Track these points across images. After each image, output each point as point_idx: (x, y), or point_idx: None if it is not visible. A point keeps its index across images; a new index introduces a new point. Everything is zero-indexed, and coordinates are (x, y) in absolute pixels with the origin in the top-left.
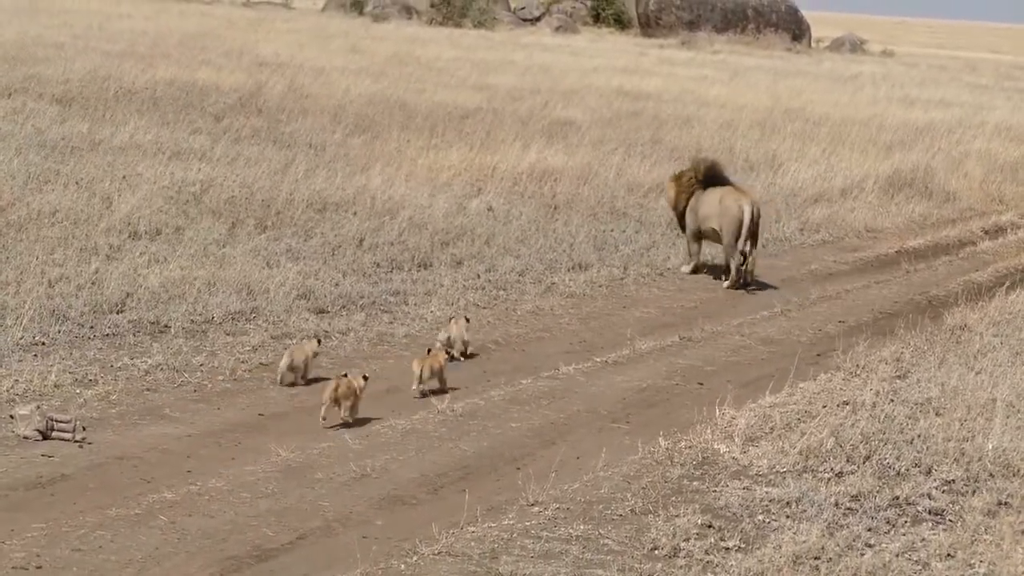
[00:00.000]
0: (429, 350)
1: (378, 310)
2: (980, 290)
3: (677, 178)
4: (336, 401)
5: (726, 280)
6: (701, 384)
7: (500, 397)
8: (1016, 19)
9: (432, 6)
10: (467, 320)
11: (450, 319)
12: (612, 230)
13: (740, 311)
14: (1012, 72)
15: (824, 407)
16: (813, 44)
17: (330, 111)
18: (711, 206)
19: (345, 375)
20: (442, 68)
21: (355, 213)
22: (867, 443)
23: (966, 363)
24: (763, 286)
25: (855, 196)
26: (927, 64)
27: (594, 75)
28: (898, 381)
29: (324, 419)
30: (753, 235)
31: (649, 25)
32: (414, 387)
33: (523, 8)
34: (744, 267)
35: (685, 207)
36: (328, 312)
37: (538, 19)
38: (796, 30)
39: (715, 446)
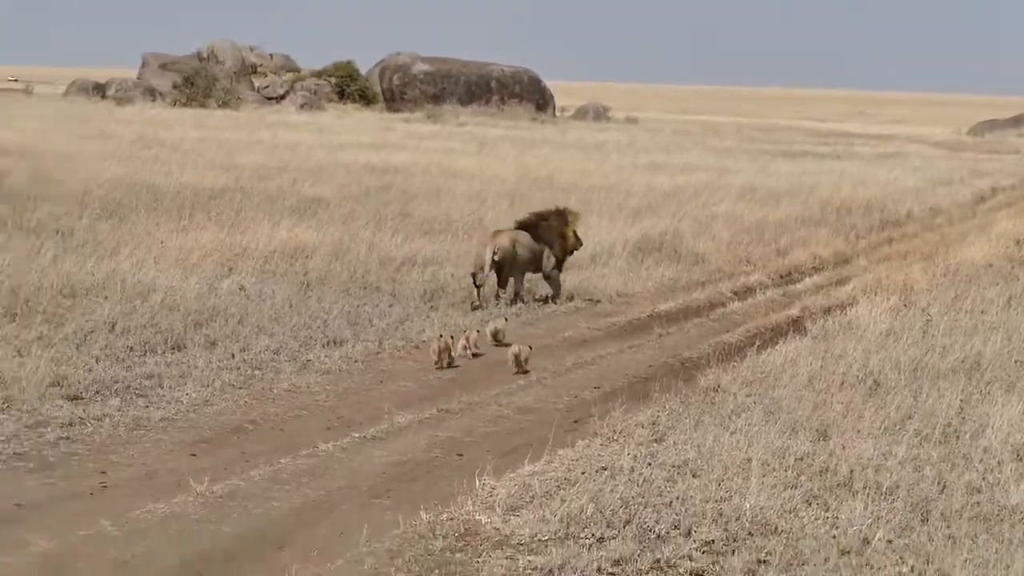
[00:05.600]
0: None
1: (133, 394)
2: (731, 351)
3: None
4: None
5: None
6: (461, 455)
7: (260, 477)
8: (758, 83)
9: (175, 87)
10: (506, 320)
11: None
12: (366, 305)
13: (496, 381)
14: (754, 135)
15: (583, 473)
16: (558, 113)
17: (76, 196)
18: None
19: (529, 347)
20: (188, 149)
21: (106, 297)
22: (627, 507)
23: (721, 424)
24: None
25: (605, 262)
26: (671, 129)
27: (341, 152)
28: (655, 445)
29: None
30: (498, 271)
31: (394, 100)
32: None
33: (267, 87)
34: (480, 294)
35: None
36: (83, 398)
37: (283, 97)
38: (540, 100)
39: (476, 517)
